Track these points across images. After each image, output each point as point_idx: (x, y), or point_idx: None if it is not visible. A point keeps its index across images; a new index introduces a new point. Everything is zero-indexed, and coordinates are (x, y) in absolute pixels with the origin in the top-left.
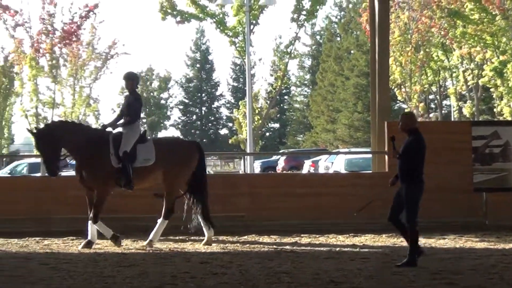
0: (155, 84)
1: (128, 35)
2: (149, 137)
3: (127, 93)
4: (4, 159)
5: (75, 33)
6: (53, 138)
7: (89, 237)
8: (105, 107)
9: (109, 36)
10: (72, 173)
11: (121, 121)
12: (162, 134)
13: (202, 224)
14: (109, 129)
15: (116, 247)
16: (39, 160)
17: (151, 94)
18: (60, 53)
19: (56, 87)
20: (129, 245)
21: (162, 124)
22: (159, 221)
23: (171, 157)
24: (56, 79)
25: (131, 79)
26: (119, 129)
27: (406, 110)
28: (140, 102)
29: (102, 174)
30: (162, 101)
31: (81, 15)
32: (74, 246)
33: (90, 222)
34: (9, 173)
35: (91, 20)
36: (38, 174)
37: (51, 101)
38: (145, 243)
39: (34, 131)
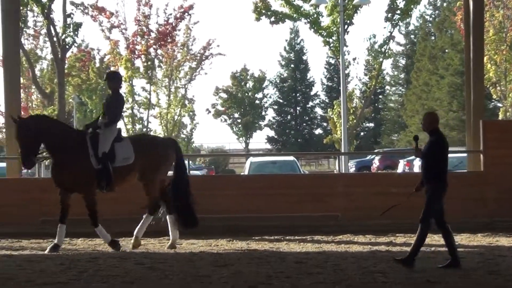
0: (250, 84)
1: (223, 35)
2: (124, 136)
3: (109, 94)
4: None
5: (170, 34)
6: (34, 131)
7: (56, 241)
8: (200, 108)
9: (204, 37)
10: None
11: (101, 121)
12: (257, 134)
13: (169, 225)
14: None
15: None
16: None
17: (246, 94)
18: (155, 54)
19: (152, 88)
20: (224, 245)
21: (256, 124)
22: (168, 218)
23: (149, 154)
24: (152, 80)
25: (114, 79)
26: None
27: (429, 111)
28: (121, 102)
29: (84, 176)
30: (257, 101)
31: (176, 16)
32: (164, 245)
33: (59, 224)
34: None
35: (186, 21)
36: None
37: (147, 102)
38: (168, 245)
39: (17, 119)
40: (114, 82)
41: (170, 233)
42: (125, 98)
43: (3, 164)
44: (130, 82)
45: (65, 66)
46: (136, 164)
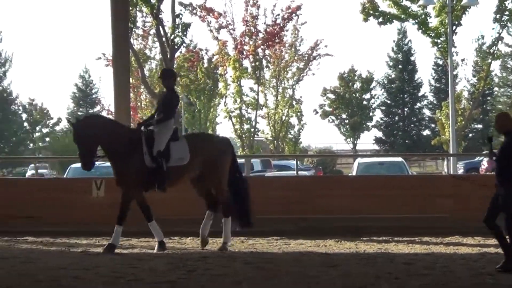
0: (357, 85)
1: (330, 36)
2: (180, 135)
3: (164, 91)
4: None
5: (278, 35)
6: (89, 131)
7: (112, 241)
8: (307, 108)
9: (311, 38)
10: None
11: (155, 118)
12: (364, 135)
13: (224, 227)
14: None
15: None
16: (242, 160)
17: (353, 95)
18: (263, 55)
19: (259, 88)
20: (333, 245)
21: (364, 125)
22: (223, 221)
23: (206, 154)
24: (259, 81)
25: (169, 77)
26: (152, 127)
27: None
28: (176, 100)
29: (134, 174)
30: (364, 102)
31: (283, 17)
32: (278, 246)
33: (149, 223)
34: None
35: (294, 21)
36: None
37: (255, 102)
38: (218, 247)
39: (73, 122)
40: (168, 80)
41: (223, 234)
42: (236, 99)
43: None
44: (238, 82)
45: (174, 66)
46: (192, 165)
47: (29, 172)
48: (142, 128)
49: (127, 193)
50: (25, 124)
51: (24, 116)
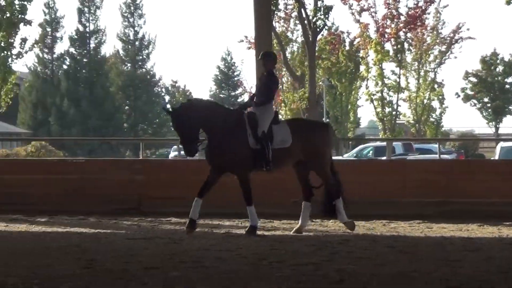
0: (500, 68)
1: (473, 19)
2: (280, 119)
3: (263, 73)
4: (350, 143)
5: (420, 18)
6: (189, 117)
7: (251, 223)
8: (449, 92)
9: (453, 21)
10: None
11: (255, 99)
12: (507, 119)
13: (303, 211)
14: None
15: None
16: (384, 144)
17: (496, 78)
18: (405, 38)
19: (401, 71)
20: (475, 230)
21: (506, 109)
22: (337, 201)
23: (308, 138)
24: (401, 64)
25: (270, 59)
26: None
27: None
28: (276, 83)
29: (241, 156)
30: (507, 86)
31: (425, 0)
32: (420, 229)
33: (196, 198)
34: (355, 156)
35: (436, 4)
36: (384, 158)
37: (396, 85)
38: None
39: (170, 110)
40: (269, 62)
41: (301, 218)
42: (377, 82)
43: None
44: (380, 65)
45: (316, 49)
46: (294, 148)
47: (172, 154)
48: (244, 110)
49: (244, 173)
50: (168, 106)
51: (167, 98)
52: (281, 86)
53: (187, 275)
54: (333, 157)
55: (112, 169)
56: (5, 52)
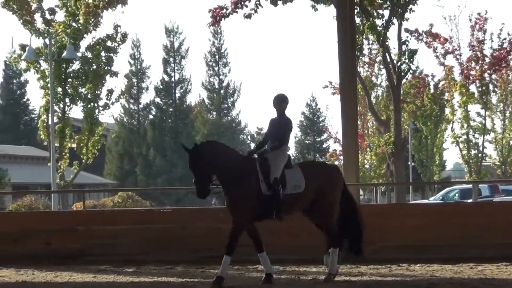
0: None
1: None
2: (293, 163)
3: (274, 117)
4: (436, 186)
5: (505, 59)
6: (204, 159)
7: (219, 273)
8: None
9: None
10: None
11: (269, 144)
12: None
13: (331, 257)
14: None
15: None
16: (470, 186)
17: None
18: (490, 79)
19: (486, 113)
20: None
21: None
22: (331, 251)
23: (320, 182)
24: (486, 105)
25: (282, 102)
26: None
27: None
28: (290, 124)
29: (249, 201)
30: None
31: (510, 41)
32: (508, 272)
33: (259, 254)
34: (441, 199)
35: None
36: (470, 200)
37: (482, 127)
38: (324, 278)
39: (189, 148)
40: (282, 104)
41: (329, 265)
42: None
43: None
44: (465, 107)
45: (401, 93)
46: (307, 193)
47: None
48: (255, 155)
49: (240, 221)
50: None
51: (252, 145)
52: (366, 131)
53: None
54: (420, 201)
55: (198, 217)
56: (92, 103)
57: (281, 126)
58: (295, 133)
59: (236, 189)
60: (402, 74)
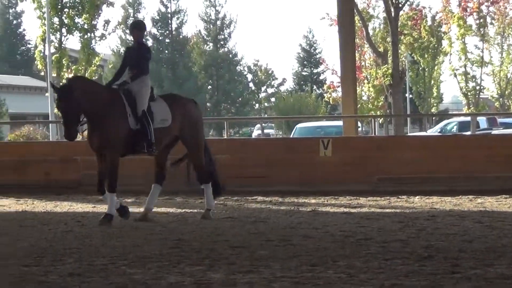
0: None
1: None
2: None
3: (131, 45)
4: (433, 118)
5: None
6: (73, 98)
7: (107, 211)
8: None
9: None
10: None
11: (128, 74)
12: None
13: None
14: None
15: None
16: (468, 119)
17: None
18: (487, 12)
19: (484, 45)
20: None
21: None
22: (204, 187)
23: (184, 116)
24: (484, 38)
25: (139, 29)
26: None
27: None
28: (149, 53)
29: (118, 137)
30: None
31: None
32: (507, 204)
33: (103, 196)
34: (439, 132)
35: None
36: (468, 133)
37: (479, 59)
38: (202, 215)
39: (57, 87)
40: (140, 32)
41: (206, 200)
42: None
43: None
44: (463, 40)
45: (398, 25)
46: (173, 127)
47: (255, 132)
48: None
49: (115, 158)
50: (251, 84)
51: (249, 77)
52: (363, 63)
53: (275, 254)
54: (418, 133)
55: None
56: (89, 34)
57: (140, 54)
58: (292, 64)
59: (106, 125)
60: (400, 5)
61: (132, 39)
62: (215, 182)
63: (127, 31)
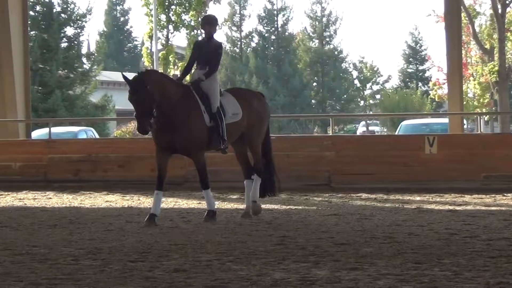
0: None
1: None
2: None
3: (201, 39)
4: None
5: None
6: (146, 90)
7: (208, 207)
8: None
9: None
10: None
11: (198, 71)
12: None
13: (246, 190)
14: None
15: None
16: None
17: None
18: None
19: None
20: None
21: None
22: (254, 178)
23: (253, 109)
24: None
25: (211, 24)
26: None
27: None
28: (221, 49)
29: (200, 136)
30: None
31: None
32: None
33: (156, 191)
34: None
35: None
36: None
37: None
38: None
39: (129, 79)
40: (212, 27)
41: (246, 199)
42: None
43: (445, 120)
44: None
45: (505, 22)
46: (243, 121)
47: (360, 129)
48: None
49: (201, 156)
50: (356, 81)
51: (354, 73)
52: (469, 60)
53: (379, 251)
54: None
55: (302, 146)
56: (195, 31)
57: (212, 50)
58: (398, 61)
59: (185, 124)
60: (507, 2)
61: (204, 34)
62: (272, 181)
63: (234, 28)
